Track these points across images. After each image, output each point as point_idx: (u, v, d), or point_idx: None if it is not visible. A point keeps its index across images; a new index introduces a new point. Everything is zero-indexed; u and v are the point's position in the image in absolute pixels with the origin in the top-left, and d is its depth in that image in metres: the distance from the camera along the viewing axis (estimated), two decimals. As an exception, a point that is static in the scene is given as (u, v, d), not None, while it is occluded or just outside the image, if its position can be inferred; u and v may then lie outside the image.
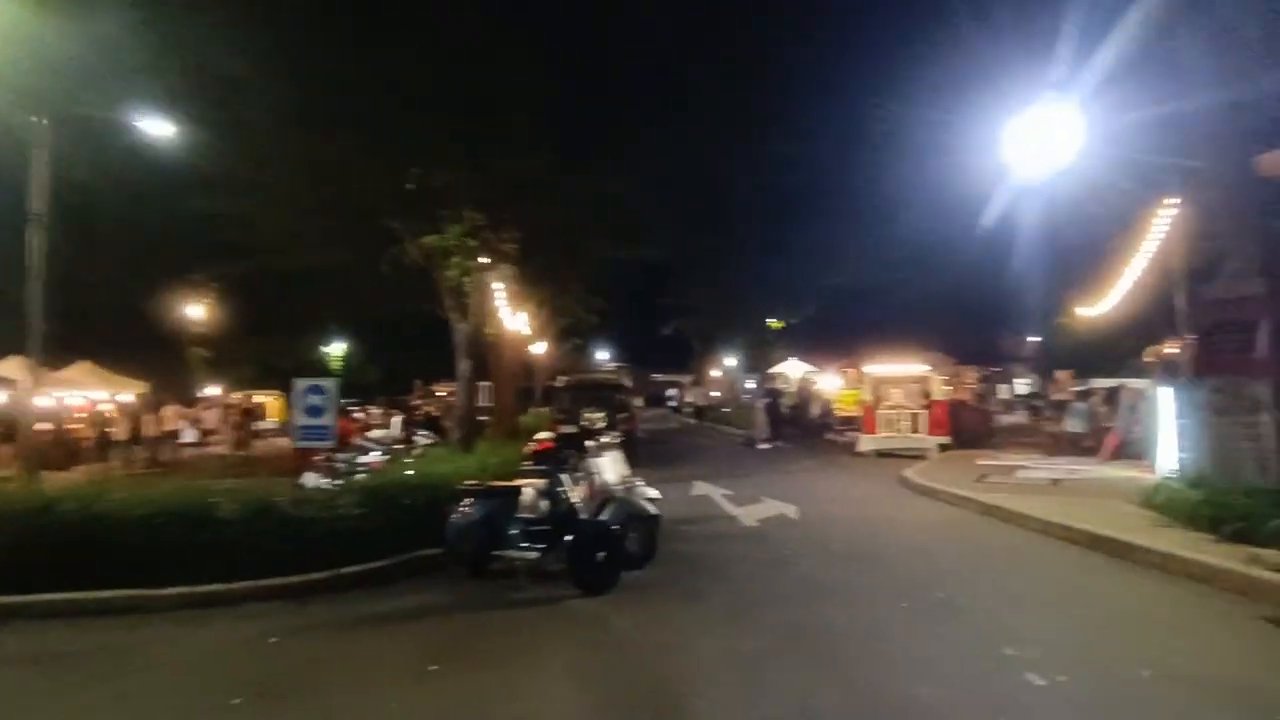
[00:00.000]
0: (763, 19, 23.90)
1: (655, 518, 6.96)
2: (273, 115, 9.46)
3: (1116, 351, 31.48)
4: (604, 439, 7.09)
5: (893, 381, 16.44)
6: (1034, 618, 5.19)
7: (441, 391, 29.30)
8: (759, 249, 27.67)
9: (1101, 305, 23.50)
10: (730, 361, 36.27)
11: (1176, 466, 10.40)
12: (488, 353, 15.26)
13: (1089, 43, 9.83)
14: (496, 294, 11.41)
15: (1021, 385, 35.28)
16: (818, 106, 28.33)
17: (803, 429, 20.09)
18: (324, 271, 13.51)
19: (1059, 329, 24.56)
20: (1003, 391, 27.68)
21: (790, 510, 9.44)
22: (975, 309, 33.03)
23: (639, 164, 13.81)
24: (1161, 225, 9.60)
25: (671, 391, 35.75)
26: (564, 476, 6.20)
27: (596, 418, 14.44)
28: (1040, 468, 12.26)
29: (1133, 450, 12.84)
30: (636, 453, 15.16)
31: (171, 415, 17.96)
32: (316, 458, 8.79)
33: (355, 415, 18.72)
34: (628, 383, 18.98)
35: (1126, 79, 9.67)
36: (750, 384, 40.79)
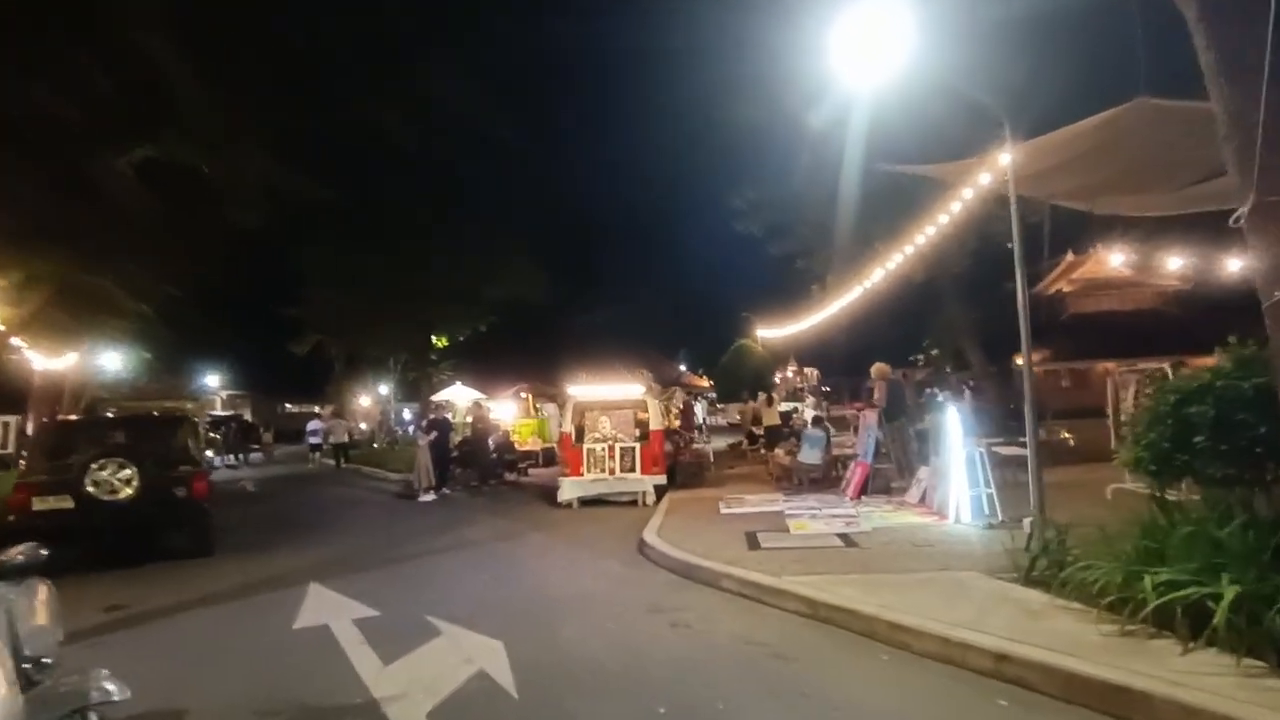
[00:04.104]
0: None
1: None
2: None
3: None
4: None
5: (602, 407, 12.79)
6: None
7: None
8: (416, 239, 22.36)
9: (796, 324, 23.23)
10: (383, 388, 30.08)
11: (972, 510, 8.34)
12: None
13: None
14: None
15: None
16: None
17: (481, 470, 15.52)
18: None
19: (742, 351, 24.30)
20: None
21: (494, 661, 4.81)
22: (656, 330, 32.16)
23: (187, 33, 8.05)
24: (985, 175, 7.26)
25: (314, 425, 28.26)
26: None
27: (118, 480, 8.15)
28: (800, 513, 9.44)
29: (880, 484, 10.86)
30: (205, 533, 9.12)
31: None
32: None
33: None
34: (218, 418, 12.44)
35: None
36: (408, 414, 34.85)
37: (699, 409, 22.83)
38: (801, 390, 38.57)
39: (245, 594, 7.08)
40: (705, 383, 39.49)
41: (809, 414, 23.42)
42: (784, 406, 27.30)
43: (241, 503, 15.90)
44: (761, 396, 23.10)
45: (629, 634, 5.36)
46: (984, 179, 7.34)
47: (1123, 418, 8.99)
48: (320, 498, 16.13)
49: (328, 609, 6.34)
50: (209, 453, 14.52)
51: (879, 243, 15.91)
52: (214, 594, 7.08)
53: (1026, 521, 6.67)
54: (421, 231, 22.27)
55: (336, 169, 13.69)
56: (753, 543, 7.71)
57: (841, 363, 43.19)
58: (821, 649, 4.88)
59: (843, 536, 7.79)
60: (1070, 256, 39.38)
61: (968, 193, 7.67)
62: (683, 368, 45.95)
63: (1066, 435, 15.14)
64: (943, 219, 8.74)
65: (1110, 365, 11.48)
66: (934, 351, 33.58)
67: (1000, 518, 8.03)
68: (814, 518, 9.05)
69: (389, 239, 22.27)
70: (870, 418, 11.09)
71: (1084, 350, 33.55)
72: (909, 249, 10.78)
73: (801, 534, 8.11)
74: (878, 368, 11.66)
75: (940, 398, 16.42)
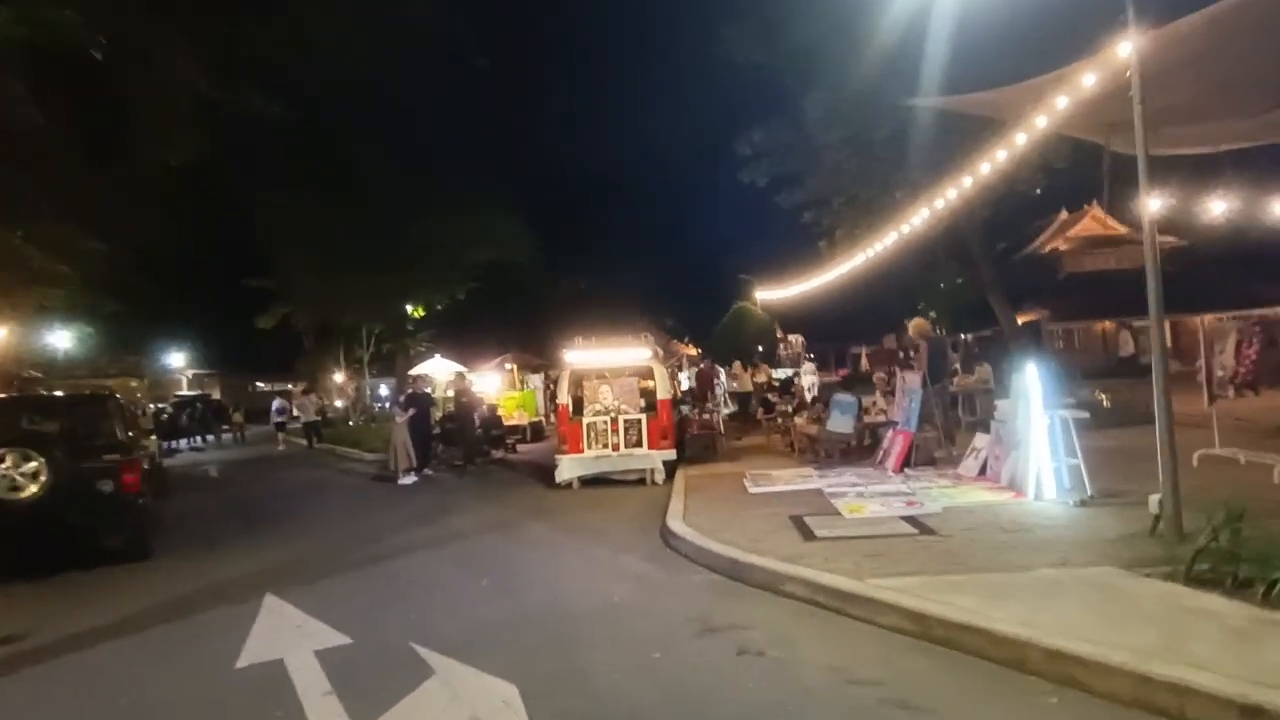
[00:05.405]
0: None
1: None
2: None
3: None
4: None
5: (602, 375, 11.38)
6: None
7: None
8: (388, 195, 20.53)
9: (799, 285, 21.89)
10: (357, 360, 28.37)
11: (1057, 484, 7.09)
12: None
13: None
14: None
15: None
16: None
17: (466, 448, 14.08)
18: None
19: (741, 314, 23.06)
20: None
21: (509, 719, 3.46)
22: (645, 296, 30.72)
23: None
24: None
25: (278, 403, 26.51)
26: None
27: (20, 474, 6.52)
28: (844, 491, 8.16)
29: (924, 455, 9.62)
30: (139, 533, 7.58)
31: None
32: None
33: None
34: (131, 395, 10.77)
35: None
36: (385, 389, 33.22)
37: (723, 376, 21.30)
38: (779, 357, 37.39)
39: (181, 613, 5.64)
40: (693, 350, 38.23)
41: (808, 380, 22.27)
42: (781, 373, 26.16)
43: (200, 489, 14.38)
44: (736, 364, 22.01)
45: (684, 669, 4.02)
46: (1088, 81, 5.93)
47: (1219, 372, 7.76)
48: (288, 482, 14.62)
49: (284, 635, 4.93)
50: (152, 437, 12.88)
51: (899, 190, 14.56)
52: (140, 615, 5.64)
53: (1153, 500, 5.42)
54: (394, 187, 20.44)
55: (292, 107, 11.88)
56: (805, 531, 6.40)
57: (828, 328, 42.09)
58: (956, 690, 3.56)
59: (911, 520, 6.51)
60: (1064, 214, 38.43)
61: (1062, 101, 6.26)
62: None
63: (1102, 397, 14.11)
64: (1026, 135, 7.25)
65: (1212, 317, 10.27)
66: (931, 314, 32.51)
67: (1089, 492, 6.80)
68: (862, 497, 7.77)
69: (358, 195, 20.43)
70: (912, 381, 9.80)
71: (1081, 310, 32.77)
72: (957, 190, 9.38)
73: (858, 518, 6.81)
74: (917, 324, 10.36)
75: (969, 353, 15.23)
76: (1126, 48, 5.45)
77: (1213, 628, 3.68)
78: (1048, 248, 37.01)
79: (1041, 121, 6.64)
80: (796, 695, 3.60)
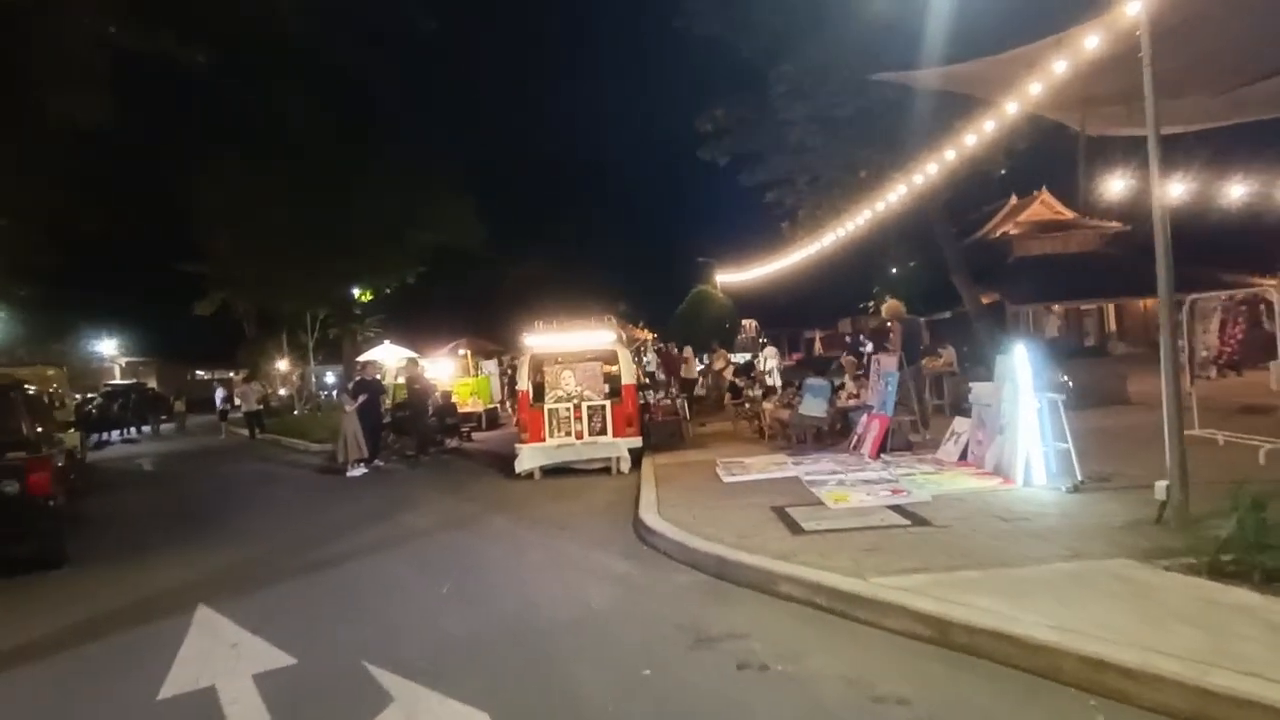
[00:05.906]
0: None
1: None
2: None
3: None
4: None
5: (564, 360, 10.83)
6: None
7: None
8: (332, 172, 19.46)
9: (762, 268, 21.55)
10: (302, 346, 27.14)
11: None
12: None
13: None
14: None
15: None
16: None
17: (420, 437, 13.36)
18: None
19: (702, 298, 22.71)
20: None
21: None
22: (599, 280, 30.04)
23: None
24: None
25: (222, 392, 25.25)
26: None
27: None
28: (824, 479, 7.81)
29: (900, 439, 9.35)
30: (51, 538, 6.79)
31: None
32: None
33: None
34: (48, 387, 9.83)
35: None
36: (331, 377, 32.00)
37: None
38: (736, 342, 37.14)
39: (97, 632, 4.95)
40: (647, 335, 37.77)
41: (770, 364, 22.04)
42: (740, 357, 25.92)
43: (130, 486, 13.37)
44: (688, 349, 21.74)
45: (680, 689, 3.56)
46: (1090, 44, 5.61)
47: (1203, 352, 7.63)
48: (227, 476, 13.70)
49: (218, 656, 4.31)
50: (71, 430, 11.85)
51: (864, 170, 14.30)
52: (48, 635, 4.93)
53: (1160, 486, 5.18)
54: (337, 165, 19.33)
55: (218, 66, 10.86)
56: (790, 524, 6.01)
57: (781, 312, 42.14)
58: (991, 706, 3.18)
59: (900, 510, 6.17)
60: (1014, 199, 39.07)
61: (1055, 69, 5.93)
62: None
63: (1064, 378, 14.14)
64: (1017, 104, 6.96)
65: (1192, 295, 10.11)
66: (887, 298, 32.65)
67: (1080, 477, 6.57)
68: (844, 485, 7.43)
69: (298, 171, 19.26)
70: (888, 364, 9.51)
71: (1032, 293, 33.42)
72: (937, 164, 9.07)
73: (845, 508, 6.45)
74: (891, 305, 10.09)
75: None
76: (1135, 7, 5.13)
77: (1256, 627, 3.38)
78: (998, 232, 37.63)
79: (1036, 88, 6.31)
80: (814, 718, 3.17)
